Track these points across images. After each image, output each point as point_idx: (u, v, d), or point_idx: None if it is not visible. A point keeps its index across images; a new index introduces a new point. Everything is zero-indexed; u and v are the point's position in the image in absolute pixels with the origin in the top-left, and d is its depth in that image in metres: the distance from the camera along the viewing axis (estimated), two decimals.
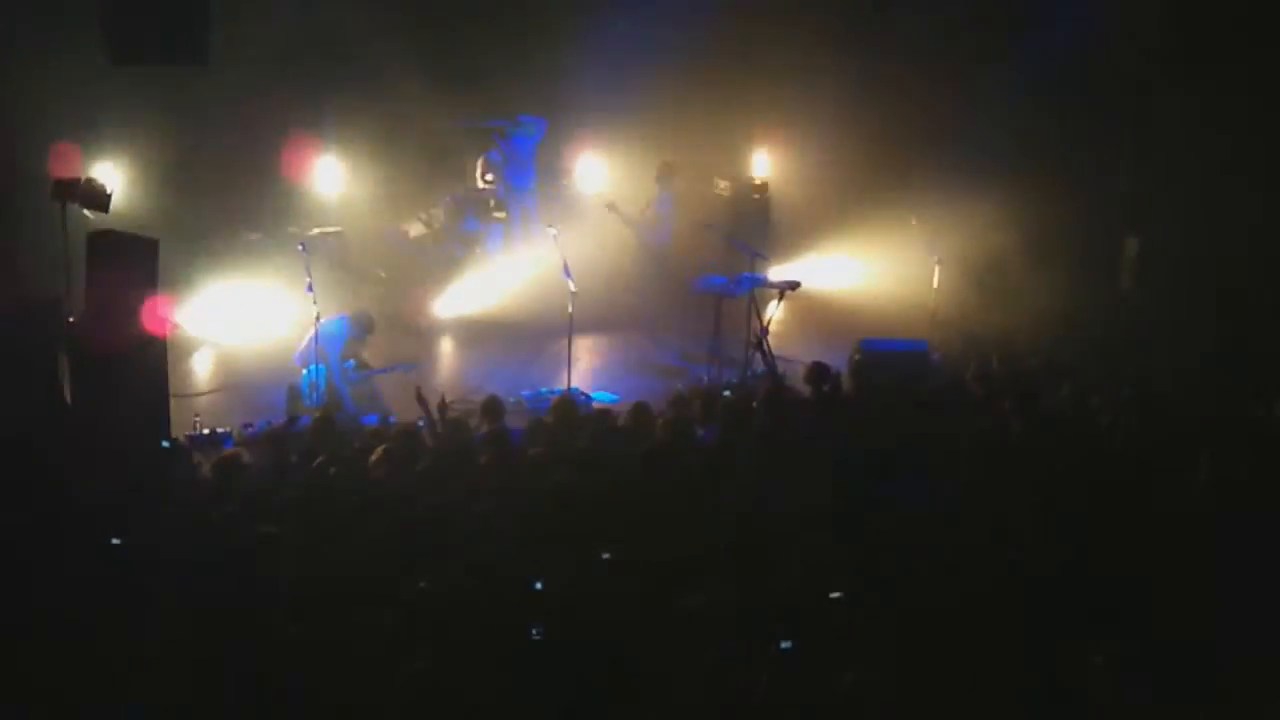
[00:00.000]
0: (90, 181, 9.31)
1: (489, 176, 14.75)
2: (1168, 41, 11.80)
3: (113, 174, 12.02)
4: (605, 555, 6.57)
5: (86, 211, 9.88)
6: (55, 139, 12.00)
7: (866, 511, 7.01)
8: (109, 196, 9.50)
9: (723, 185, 15.53)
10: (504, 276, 14.11)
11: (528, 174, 14.76)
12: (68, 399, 8.88)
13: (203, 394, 11.52)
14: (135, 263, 9.15)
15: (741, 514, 7.05)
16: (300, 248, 10.44)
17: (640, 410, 9.14)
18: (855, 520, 6.91)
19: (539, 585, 6.23)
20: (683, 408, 9.43)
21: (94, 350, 8.80)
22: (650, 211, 14.32)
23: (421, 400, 9.35)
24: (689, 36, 13.84)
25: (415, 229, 14.70)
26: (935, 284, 12.10)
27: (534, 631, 5.81)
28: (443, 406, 9.42)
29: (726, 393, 10.85)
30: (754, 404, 9.85)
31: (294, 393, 11.15)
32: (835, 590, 6.01)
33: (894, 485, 7.40)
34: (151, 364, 9.31)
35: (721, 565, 6.30)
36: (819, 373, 10.10)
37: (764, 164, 16.00)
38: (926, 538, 6.64)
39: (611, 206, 14.15)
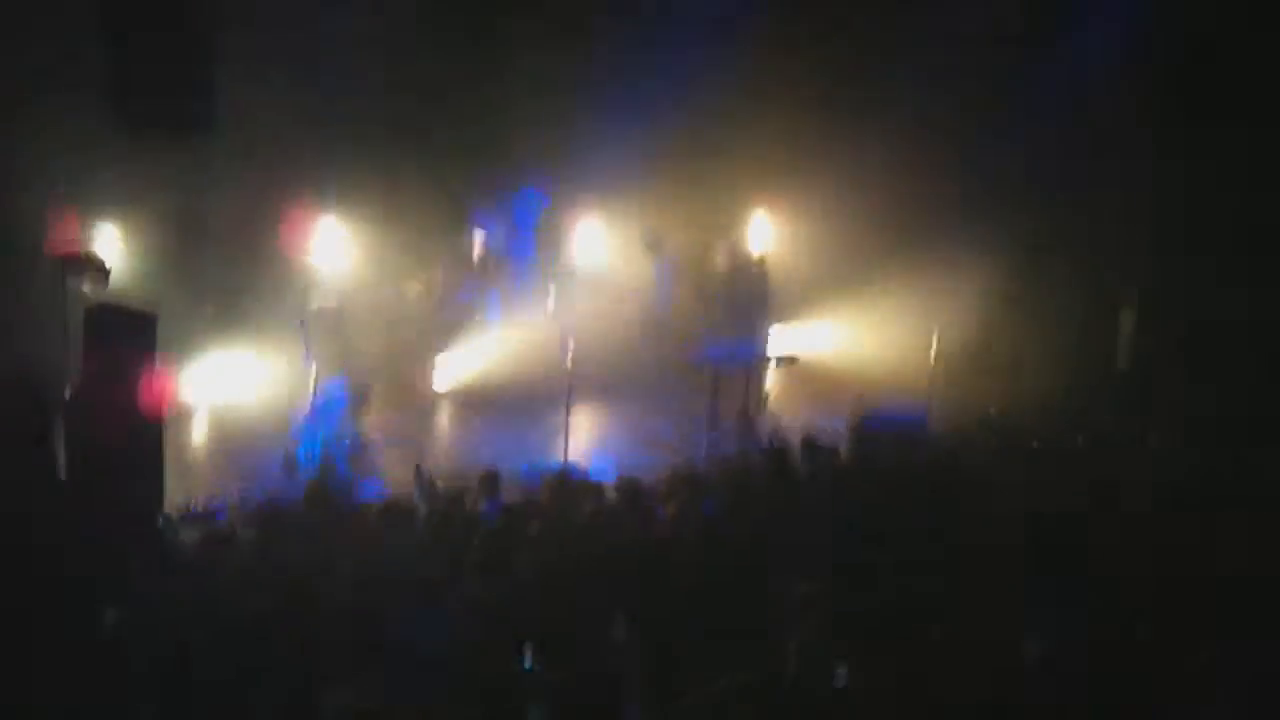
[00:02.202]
0: (90, 256, 9.36)
1: (485, 245, 14.81)
2: (1164, 109, 11.89)
3: (113, 244, 12.09)
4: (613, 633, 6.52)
5: (86, 287, 9.92)
6: (55, 210, 12.12)
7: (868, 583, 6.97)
8: (109, 271, 9.54)
9: (720, 257, 15.58)
10: (501, 347, 14.14)
11: (527, 245, 14.83)
12: (62, 474, 8.84)
13: (198, 466, 11.47)
14: (133, 337, 9.17)
15: (749, 588, 7.00)
16: (300, 321, 10.47)
17: (632, 485, 9.14)
18: (860, 592, 6.86)
19: (528, 664, 6.20)
20: (681, 483, 9.41)
21: (90, 426, 8.78)
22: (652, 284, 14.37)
23: (420, 474, 9.35)
24: (687, 106, 13.98)
25: (413, 289, 14.70)
26: (933, 354, 12.11)
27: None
28: (432, 485, 9.44)
29: (724, 466, 10.80)
30: (753, 476, 9.85)
31: (290, 462, 11.12)
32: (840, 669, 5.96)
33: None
34: (148, 439, 9.30)
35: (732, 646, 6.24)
36: (813, 445, 10.11)
37: (763, 234, 16.06)
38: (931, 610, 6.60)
39: (652, 245, 14.15)
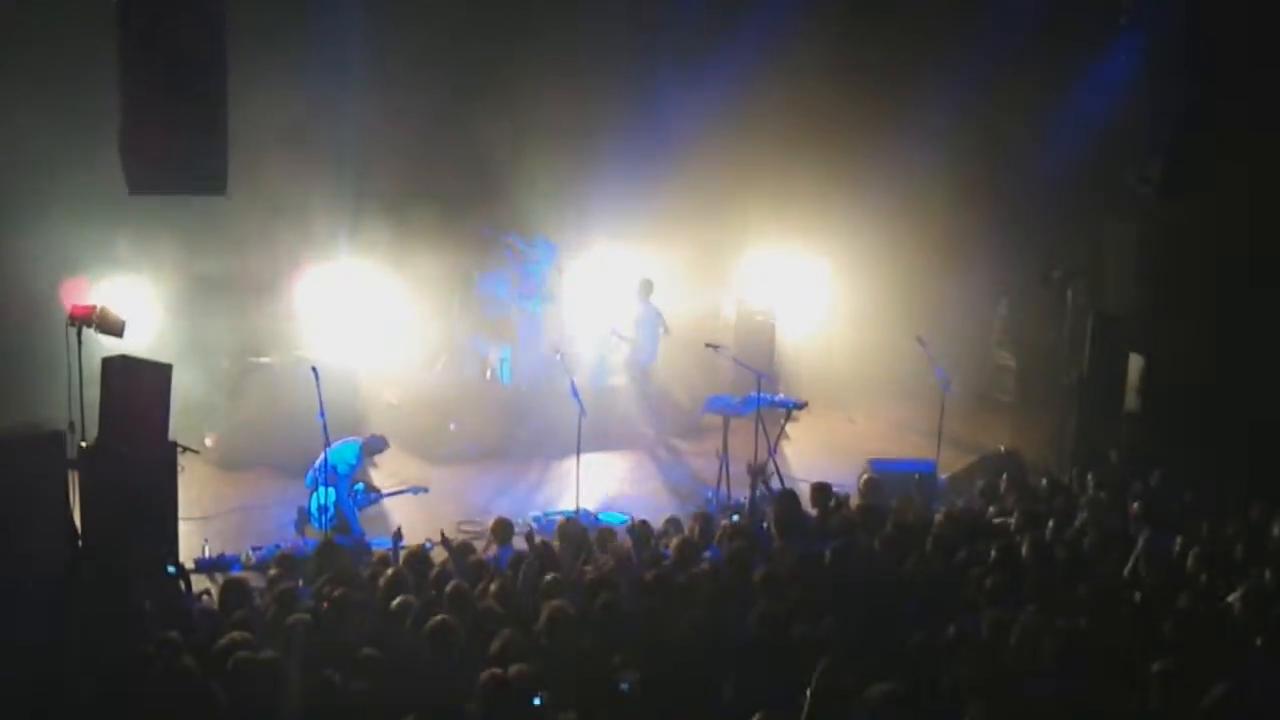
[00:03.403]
0: (105, 310, 9.45)
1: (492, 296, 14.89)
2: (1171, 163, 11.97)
3: (127, 299, 12.19)
4: (623, 684, 6.52)
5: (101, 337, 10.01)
6: (71, 265, 12.27)
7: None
8: (124, 324, 9.63)
9: (727, 307, 15.71)
10: (512, 396, 14.20)
11: (537, 295, 14.92)
12: (78, 525, 8.89)
13: (212, 517, 11.50)
14: (149, 387, 9.26)
15: (757, 638, 6.99)
16: (313, 372, 10.53)
17: (643, 530, 9.18)
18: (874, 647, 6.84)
19: (538, 701, 6.21)
20: (693, 528, 9.45)
21: (105, 475, 8.86)
22: (631, 331, 14.42)
23: (445, 541, 9.44)
24: (693, 156, 14.13)
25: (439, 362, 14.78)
26: (943, 404, 12.14)
27: None
28: (445, 540, 9.49)
29: (735, 517, 10.81)
30: (765, 524, 9.86)
31: (303, 515, 11.17)
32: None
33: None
34: (162, 488, 9.36)
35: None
36: (824, 493, 10.13)
37: (768, 283, 16.16)
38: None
39: (643, 291, 14.26)
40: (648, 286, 14.46)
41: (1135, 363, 12.57)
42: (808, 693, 6.07)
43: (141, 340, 11.00)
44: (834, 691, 6.06)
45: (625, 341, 14.12)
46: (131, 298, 12.45)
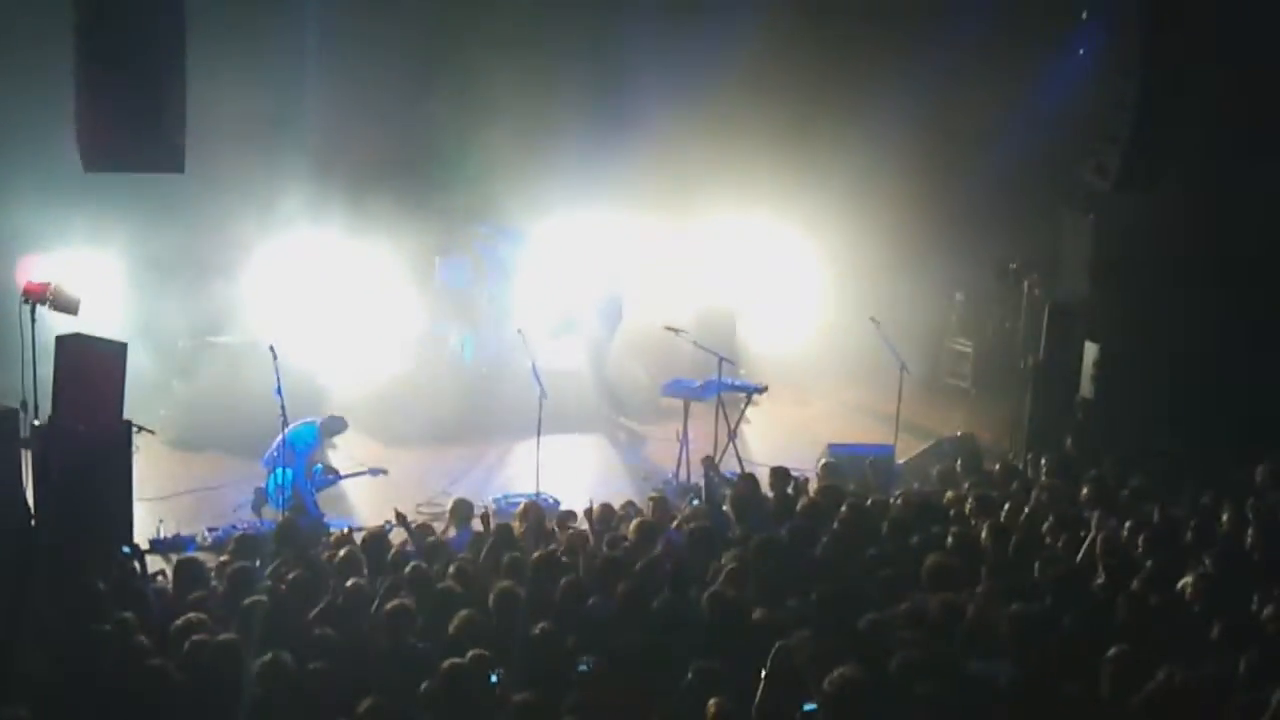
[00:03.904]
0: (59, 288, 9.34)
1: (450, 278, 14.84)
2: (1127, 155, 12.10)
3: (83, 277, 12.05)
4: (582, 665, 6.55)
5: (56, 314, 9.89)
6: (25, 244, 12.11)
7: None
8: (79, 301, 9.52)
9: (689, 290, 15.72)
10: (473, 379, 14.16)
11: (505, 280, 14.89)
12: (31, 505, 8.80)
13: (167, 497, 11.42)
14: (104, 366, 9.17)
15: (716, 621, 7.04)
16: (270, 351, 10.47)
17: (602, 512, 9.21)
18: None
19: (494, 678, 6.23)
20: (652, 511, 9.49)
21: (59, 454, 8.77)
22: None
23: (401, 518, 9.42)
24: (656, 145, 14.12)
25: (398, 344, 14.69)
26: (901, 388, 12.24)
27: None
28: (401, 519, 9.49)
29: (694, 500, 10.85)
30: (723, 508, 9.91)
31: (260, 496, 11.11)
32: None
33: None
34: (116, 467, 9.28)
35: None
36: (783, 477, 10.19)
37: (729, 267, 16.21)
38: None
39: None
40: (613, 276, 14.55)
41: (1090, 351, 12.71)
42: (762, 675, 6.13)
43: (96, 318, 10.89)
44: (789, 674, 6.12)
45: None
46: (87, 276, 12.30)
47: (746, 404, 12.74)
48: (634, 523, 9.06)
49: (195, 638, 6.61)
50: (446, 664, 6.22)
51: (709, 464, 11.25)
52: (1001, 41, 13.68)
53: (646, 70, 14.10)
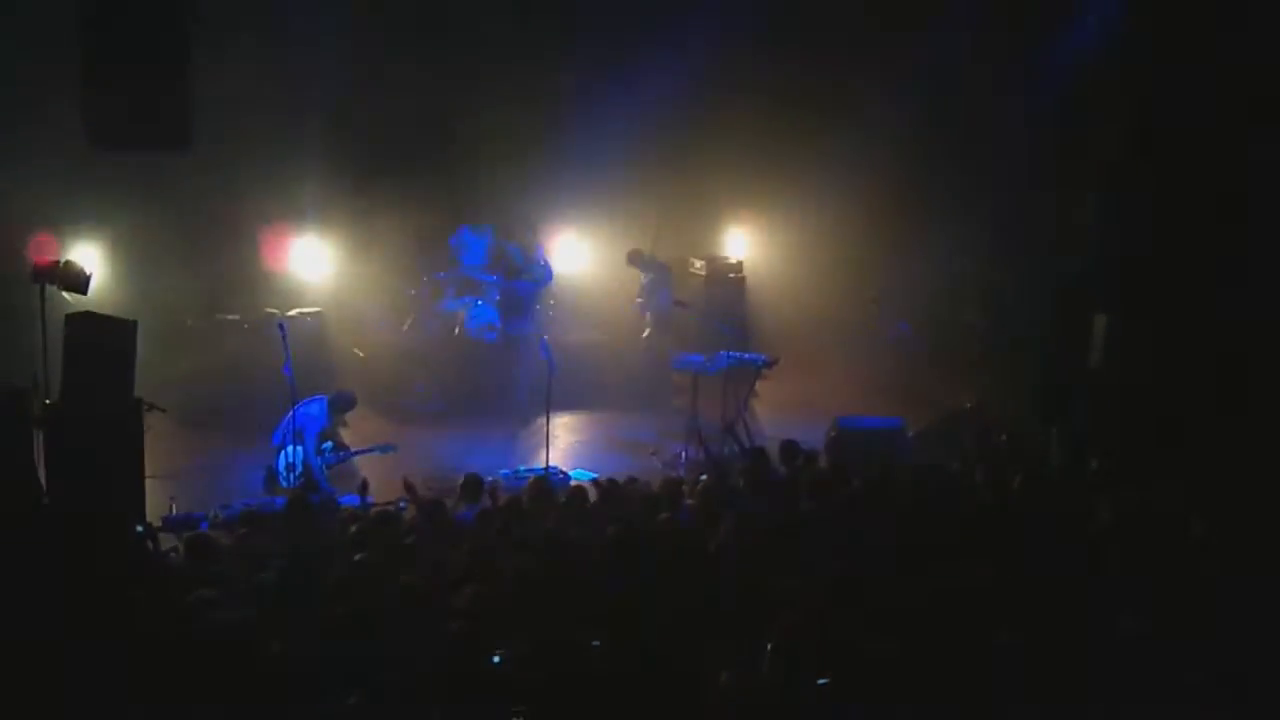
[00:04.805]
0: (69, 264, 9.36)
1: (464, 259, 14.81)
2: (1134, 128, 12.00)
3: (91, 255, 12.08)
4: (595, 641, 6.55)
5: (65, 294, 9.92)
6: (34, 222, 12.12)
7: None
8: (88, 279, 9.55)
9: (698, 265, 15.71)
10: (484, 355, 14.16)
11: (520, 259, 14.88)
12: (42, 483, 8.85)
13: (178, 476, 11.45)
14: (114, 344, 9.20)
15: (723, 594, 7.04)
16: (279, 328, 10.48)
17: (611, 487, 9.21)
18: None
19: (497, 659, 6.25)
20: (663, 487, 9.49)
21: (71, 432, 8.80)
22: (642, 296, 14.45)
23: (409, 488, 9.41)
24: (662, 120, 14.07)
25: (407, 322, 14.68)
26: (910, 361, 12.23)
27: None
28: (410, 488, 9.48)
29: (704, 476, 10.86)
30: (733, 483, 9.90)
31: (271, 474, 11.13)
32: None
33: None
34: (128, 445, 9.31)
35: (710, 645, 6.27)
36: (793, 451, 10.19)
37: (739, 243, 16.22)
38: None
39: (634, 260, 14.23)
40: (638, 256, 14.50)
41: (1100, 323, 12.65)
42: (768, 649, 6.14)
43: (106, 297, 10.92)
44: (799, 647, 6.12)
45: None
46: (95, 254, 12.33)
47: (756, 377, 12.72)
48: (643, 498, 9.05)
49: (207, 614, 6.62)
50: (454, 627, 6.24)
51: (728, 427, 11.24)
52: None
53: (655, 50, 14.05)
